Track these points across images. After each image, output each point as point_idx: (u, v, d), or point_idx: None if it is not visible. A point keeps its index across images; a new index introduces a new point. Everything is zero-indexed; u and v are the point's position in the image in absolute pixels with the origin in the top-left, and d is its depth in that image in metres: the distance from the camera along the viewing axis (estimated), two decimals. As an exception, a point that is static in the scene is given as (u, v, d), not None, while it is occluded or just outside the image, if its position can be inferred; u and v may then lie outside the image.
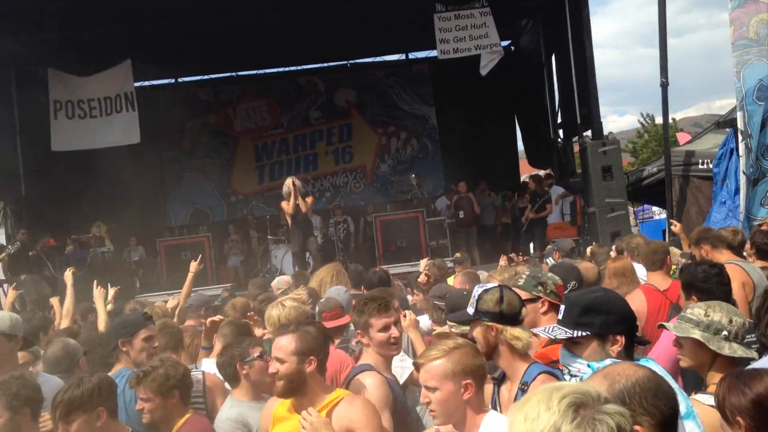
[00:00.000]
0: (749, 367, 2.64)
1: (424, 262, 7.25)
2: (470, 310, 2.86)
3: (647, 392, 1.75)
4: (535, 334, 2.90)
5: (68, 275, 6.31)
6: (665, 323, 3.13)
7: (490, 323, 2.78)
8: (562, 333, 2.49)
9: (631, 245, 6.10)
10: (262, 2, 12.57)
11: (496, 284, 3.04)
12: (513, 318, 2.83)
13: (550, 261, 7.29)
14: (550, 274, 3.61)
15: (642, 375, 1.79)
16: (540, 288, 3.35)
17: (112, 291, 6.51)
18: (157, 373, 3.26)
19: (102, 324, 5.62)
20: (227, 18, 12.84)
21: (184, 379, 3.36)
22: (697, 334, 2.85)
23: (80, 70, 13.16)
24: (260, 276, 12.77)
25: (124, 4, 10.99)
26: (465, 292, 3.58)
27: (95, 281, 6.14)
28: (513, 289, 3.06)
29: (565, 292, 4.03)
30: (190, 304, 6.04)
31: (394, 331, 3.32)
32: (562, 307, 2.61)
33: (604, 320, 2.45)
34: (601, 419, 1.40)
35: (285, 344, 2.90)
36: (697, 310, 2.93)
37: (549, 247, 7.66)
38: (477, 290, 2.90)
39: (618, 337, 2.44)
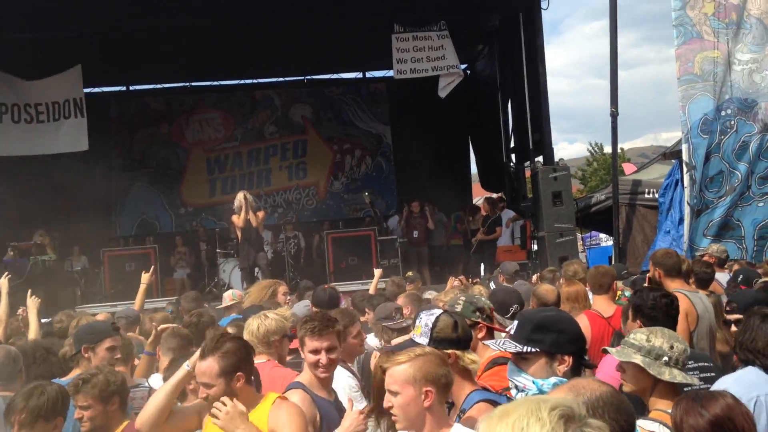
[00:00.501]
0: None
1: (378, 272, 7.26)
2: (423, 339, 2.81)
3: (610, 407, 1.83)
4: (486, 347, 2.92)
5: (3, 282, 6.19)
6: (608, 348, 3.17)
7: (448, 350, 2.75)
8: (513, 347, 2.54)
9: (568, 272, 6.16)
10: (219, 11, 12.45)
11: (440, 310, 3.03)
12: (468, 342, 2.85)
13: (492, 285, 7.35)
14: (484, 299, 3.63)
15: (605, 390, 1.88)
16: (478, 314, 3.37)
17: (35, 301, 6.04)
18: (98, 380, 3.24)
19: (33, 333, 5.51)
20: (182, 26, 12.67)
21: (123, 384, 3.37)
22: (638, 359, 2.89)
23: (28, 74, 12.79)
24: (206, 291, 12.58)
25: (75, 7, 10.73)
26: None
27: (29, 290, 6.05)
28: None
29: (507, 316, 4.08)
30: (120, 317, 5.91)
31: (322, 357, 3.30)
32: (515, 322, 2.65)
33: (555, 339, 2.51)
34: None
35: (208, 368, 2.89)
36: (639, 335, 2.97)
37: (496, 270, 7.75)
38: (424, 318, 2.87)
39: (566, 357, 2.49)
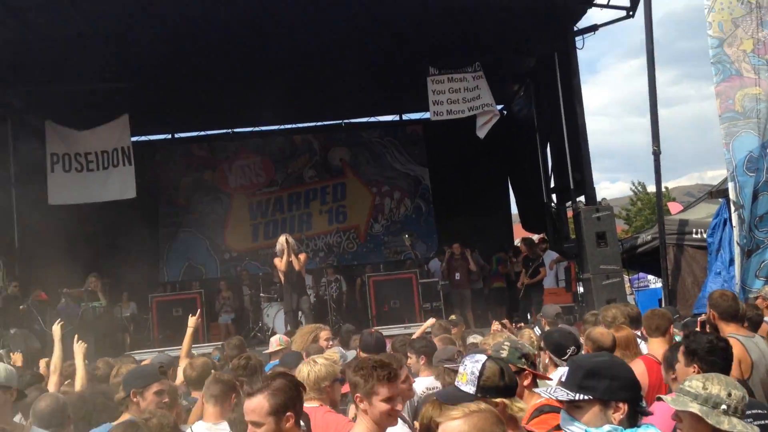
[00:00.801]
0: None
1: (431, 321, 7.20)
2: (469, 388, 2.74)
3: None
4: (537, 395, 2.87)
5: (56, 329, 6.15)
6: (663, 396, 3.10)
7: (496, 399, 2.69)
8: (564, 394, 2.48)
9: (607, 318, 6.01)
10: (258, 62, 12.82)
11: (484, 356, 2.93)
12: (514, 390, 2.77)
13: (537, 330, 7.23)
14: (529, 345, 3.58)
15: None
16: (523, 360, 3.30)
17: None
18: (152, 423, 3.28)
19: (80, 379, 5.51)
20: (224, 76, 13.07)
21: (175, 428, 3.42)
22: (695, 407, 2.80)
23: (78, 124, 13.27)
24: (252, 334, 12.66)
25: (123, 60, 11.17)
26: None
27: (75, 335, 6.03)
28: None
29: (564, 358, 4.02)
30: (161, 363, 5.96)
31: (397, 404, 3.19)
32: (566, 368, 2.60)
33: (608, 385, 2.45)
34: None
35: (258, 405, 2.77)
36: (695, 382, 2.89)
37: (538, 314, 7.64)
38: (469, 366, 2.79)
39: (621, 404, 2.43)
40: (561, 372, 3.92)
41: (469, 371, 2.77)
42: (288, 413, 2.79)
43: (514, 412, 2.72)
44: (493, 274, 14.17)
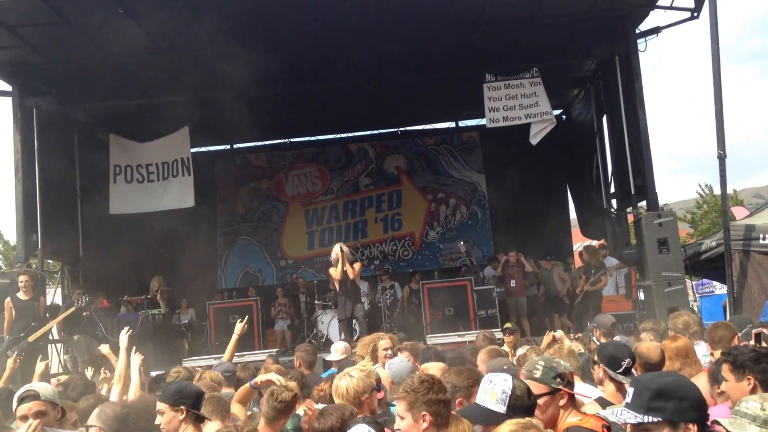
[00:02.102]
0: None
1: (549, 338, 7.02)
2: (500, 407, 2.71)
3: None
4: (601, 418, 2.78)
5: (123, 337, 6.02)
6: (719, 419, 2.93)
7: (523, 419, 2.63)
8: (632, 417, 2.40)
9: (678, 325, 5.77)
10: (315, 73, 12.94)
11: (509, 375, 2.92)
12: (534, 408, 2.80)
13: (596, 339, 7.02)
14: (564, 363, 3.47)
15: None
16: (559, 380, 3.23)
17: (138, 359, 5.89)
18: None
19: (135, 390, 5.51)
20: (282, 88, 13.25)
21: None
22: (754, 430, 2.64)
23: (140, 136, 13.66)
24: (307, 341, 12.73)
25: (184, 74, 11.43)
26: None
27: (133, 347, 6.04)
28: (528, 380, 3.01)
29: (619, 371, 3.88)
30: (225, 372, 5.98)
31: None
32: (631, 389, 2.51)
33: (677, 406, 2.37)
34: None
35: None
36: (752, 403, 2.71)
37: (591, 324, 7.39)
38: (499, 384, 2.76)
39: (690, 425, 2.35)
40: (585, 388, 3.79)
41: (499, 390, 2.76)
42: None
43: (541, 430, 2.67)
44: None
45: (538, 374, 3.22)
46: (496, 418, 2.68)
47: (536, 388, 3.13)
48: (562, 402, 3.20)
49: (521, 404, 2.70)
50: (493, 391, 2.75)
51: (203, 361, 9.99)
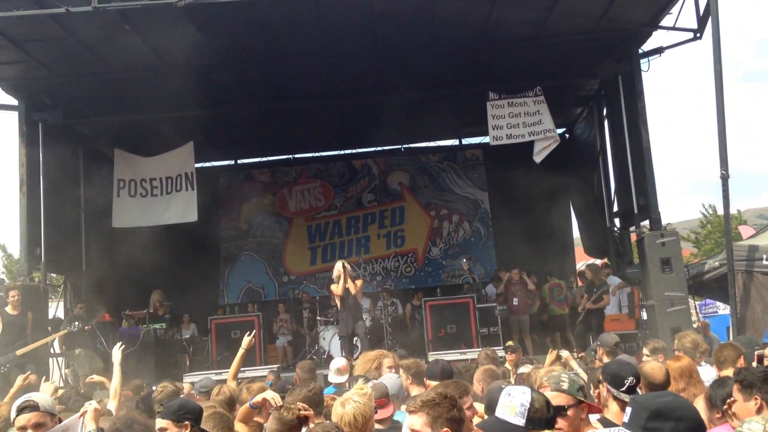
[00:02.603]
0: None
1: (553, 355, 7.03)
2: (518, 420, 2.72)
3: None
4: None
5: (116, 353, 6.07)
6: (723, 440, 2.92)
7: (544, 431, 2.70)
8: None
9: (687, 345, 5.74)
10: (319, 90, 13.02)
11: (529, 388, 2.94)
12: (554, 422, 2.78)
13: (598, 358, 6.99)
14: (582, 377, 3.52)
15: None
16: (580, 392, 3.29)
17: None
18: None
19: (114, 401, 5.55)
20: (286, 104, 13.32)
21: None
22: (757, 452, 2.63)
23: (145, 151, 13.72)
24: (308, 357, 12.70)
25: (189, 90, 11.51)
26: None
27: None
28: (555, 392, 3.02)
29: (622, 389, 3.88)
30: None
31: None
32: (629, 409, 2.52)
33: (674, 427, 2.38)
34: None
35: None
36: (754, 424, 2.71)
37: (595, 343, 7.36)
38: (518, 397, 2.77)
39: None
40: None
41: (518, 403, 2.77)
42: None
43: None
44: (562, 300, 13.85)
45: (565, 386, 3.27)
46: (515, 431, 2.71)
47: (564, 400, 3.19)
48: (582, 415, 3.25)
49: (540, 417, 2.70)
50: (512, 404, 2.77)
51: (203, 377, 9.93)
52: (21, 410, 3.80)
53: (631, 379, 3.95)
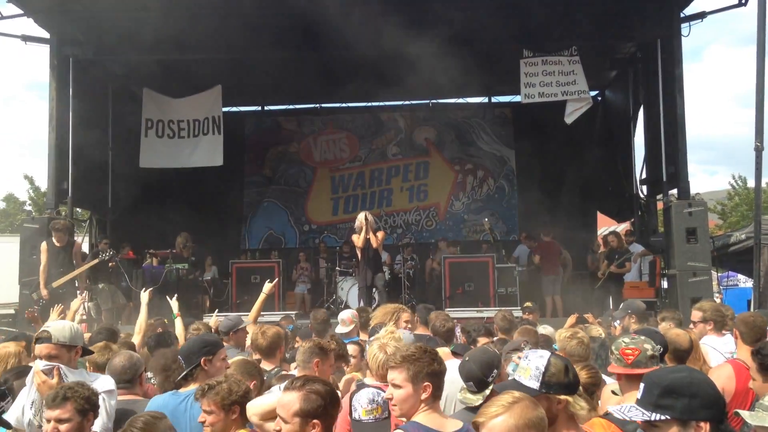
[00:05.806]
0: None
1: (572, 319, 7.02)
2: (533, 383, 2.71)
3: None
4: (606, 414, 2.79)
5: (144, 295, 6.61)
6: (740, 411, 2.89)
7: (560, 396, 2.67)
8: (639, 414, 2.31)
9: (706, 311, 5.66)
10: (350, 40, 12.81)
11: (548, 352, 2.91)
12: (576, 387, 2.75)
13: (617, 324, 6.96)
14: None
15: None
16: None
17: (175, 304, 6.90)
18: (221, 387, 3.38)
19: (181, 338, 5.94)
20: (316, 52, 13.16)
21: (246, 396, 3.44)
22: (775, 423, 2.61)
23: (173, 92, 13.70)
24: (324, 307, 12.82)
25: (220, 33, 11.40)
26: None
27: (170, 296, 6.72)
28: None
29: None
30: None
31: None
32: (642, 385, 2.41)
33: (687, 404, 2.27)
34: None
35: (288, 403, 2.79)
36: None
37: (621, 307, 7.28)
38: (534, 361, 2.76)
39: (702, 424, 2.25)
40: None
41: (533, 366, 2.76)
42: (315, 420, 2.77)
43: (575, 410, 2.69)
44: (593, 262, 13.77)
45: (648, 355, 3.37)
46: (529, 393, 2.66)
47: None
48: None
49: (556, 381, 2.69)
50: (528, 367, 2.77)
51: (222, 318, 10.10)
52: (37, 339, 3.88)
53: (658, 347, 3.93)
